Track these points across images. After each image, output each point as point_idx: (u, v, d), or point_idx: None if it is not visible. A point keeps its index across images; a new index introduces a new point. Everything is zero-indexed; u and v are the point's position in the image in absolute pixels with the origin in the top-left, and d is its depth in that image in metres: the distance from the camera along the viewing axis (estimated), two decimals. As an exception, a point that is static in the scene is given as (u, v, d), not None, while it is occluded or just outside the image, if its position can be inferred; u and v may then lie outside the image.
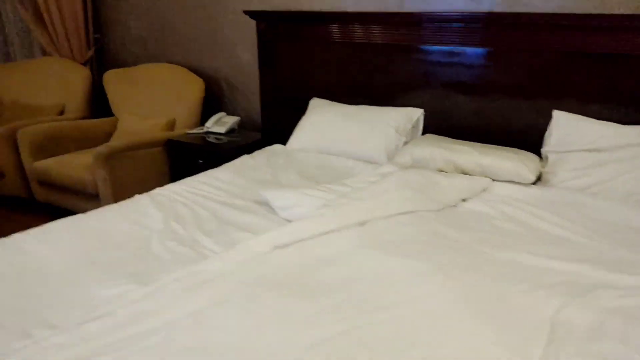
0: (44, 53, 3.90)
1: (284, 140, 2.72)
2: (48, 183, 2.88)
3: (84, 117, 3.44)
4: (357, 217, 1.59)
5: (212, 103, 3.21)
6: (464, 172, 2.08)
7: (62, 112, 3.47)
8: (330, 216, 1.59)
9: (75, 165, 2.76)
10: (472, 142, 2.25)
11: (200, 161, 2.74)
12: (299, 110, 2.81)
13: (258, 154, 2.52)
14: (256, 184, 2.16)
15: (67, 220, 1.73)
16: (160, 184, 2.85)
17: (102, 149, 2.57)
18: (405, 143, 2.40)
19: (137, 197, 1.99)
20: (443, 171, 2.11)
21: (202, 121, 3.11)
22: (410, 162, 2.17)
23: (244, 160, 2.44)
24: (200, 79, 3.09)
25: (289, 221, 1.78)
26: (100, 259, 1.51)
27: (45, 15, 3.56)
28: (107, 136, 3.29)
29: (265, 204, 1.94)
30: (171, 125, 3.11)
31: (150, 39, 3.44)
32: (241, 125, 3.08)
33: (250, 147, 2.72)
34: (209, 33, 3.16)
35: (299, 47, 2.76)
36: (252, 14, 2.80)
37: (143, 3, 3.38)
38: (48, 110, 3.43)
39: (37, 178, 2.90)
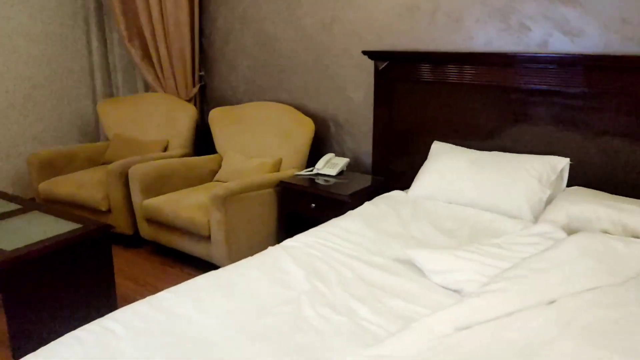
0: (147, 89, 3.99)
1: (397, 184, 2.57)
2: (156, 221, 2.85)
3: (186, 154, 3.43)
4: (544, 295, 1.37)
5: (316, 143, 3.11)
6: (636, 236, 1.82)
7: (165, 148, 3.49)
8: (514, 292, 1.38)
9: (186, 205, 2.71)
10: (636, 199, 1.99)
11: (313, 205, 2.62)
12: (414, 153, 2.65)
13: (380, 201, 2.36)
14: (388, 237, 2.00)
15: (211, 277, 1.62)
16: (269, 227, 2.77)
17: (219, 190, 2.50)
18: (550, 196, 2.16)
19: (270, 249, 1.87)
20: (608, 233, 1.85)
21: (307, 162, 3.01)
22: (565, 221, 1.93)
23: (367, 208, 2.29)
24: (309, 119, 2.99)
25: (445, 288, 1.61)
26: (255, 327, 1.37)
27: (152, 52, 3.63)
28: (212, 174, 3.25)
29: (407, 262, 1.77)
30: (277, 166, 3.02)
31: (256, 77, 3.42)
32: (348, 167, 2.94)
33: (366, 193, 2.57)
34: (318, 72, 3.09)
35: (418, 87, 2.61)
36: (371, 54, 2.69)
37: (249, 41, 3.37)
38: (153, 145, 3.46)
39: (146, 216, 2.87)
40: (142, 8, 3.52)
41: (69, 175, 3.27)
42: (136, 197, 2.89)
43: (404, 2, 2.65)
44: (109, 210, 3.04)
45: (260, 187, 2.70)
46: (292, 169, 2.96)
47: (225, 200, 2.50)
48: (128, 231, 3.07)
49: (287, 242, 1.93)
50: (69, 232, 2.17)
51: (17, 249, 1.98)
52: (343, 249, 1.88)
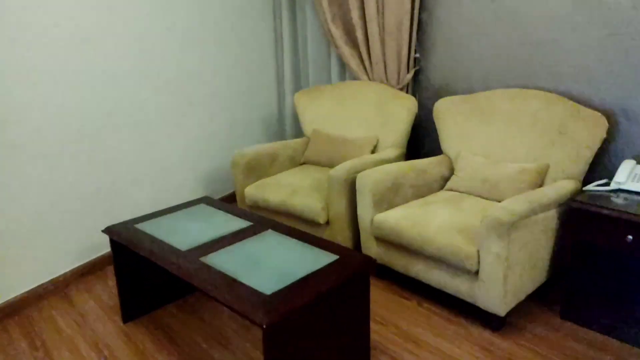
0: (343, 78, 3.49)
1: None
2: (387, 241, 2.31)
3: (401, 155, 2.86)
4: None
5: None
6: None
7: (374, 148, 2.95)
8: None
9: (438, 227, 2.11)
10: None
11: (630, 237, 1.86)
12: None
13: None
14: None
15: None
16: (543, 261, 2.07)
17: (501, 214, 1.85)
18: None
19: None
20: None
21: (592, 171, 2.24)
22: None
23: None
24: (599, 114, 2.21)
25: None
26: None
27: (358, 32, 3.09)
28: (442, 181, 2.63)
29: None
30: (543, 175, 2.30)
31: (497, 59, 2.70)
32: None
33: None
34: (605, 49, 2.28)
35: None
36: None
37: (487, 14, 2.65)
38: (360, 144, 2.94)
39: (377, 234, 2.34)
40: (352, -19, 2.99)
41: (274, 178, 2.88)
42: (365, 211, 2.37)
43: None
44: (326, 223, 2.58)
45: (547, 207, 2.00)
46: (568, 181, 2.21)
47: (511, 228, 1.85)
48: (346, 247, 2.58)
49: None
50: (329, 266, 1.68)
51: (279, 293, 1.53)
52: None
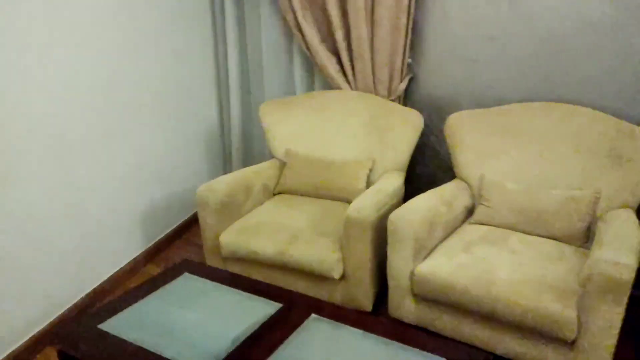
0: (312, 88, 2.91)
1: None
2: (431, 299, 1.82)
3: (402, 181, 2.39)
4: None
5: None
6: None
7: (370, 172, 2.44)
8: None
9: (509, 284, 1.67)
10: None
11: None
12: None
13: None
14: None
15: None
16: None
17: (611, 270, 1.45)
18: None
19: None
20: None
21: None
22: None
23: None
24: (656, 133, 1.94)
25: None
26: None
27: (337, 30, 2.54)
28: (466, 212, 2.22)
29: None
30: (595, 204, 1.98)
31: (507, 67, 2.34)
32: None
33: None
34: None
35: None
36: None
37: (502, 10, 2.28)
38: (353, 167, 2.41)
39: (419, 291, 1.84)
40: (335, -32, 2.43)
41: (254, 217, 2.23)
42: (402, 262, 1.85)
43: None
44: (340, 278, 2.00)
45: (645, 254, 1.67)
46: (625, 210, 1.92)
47: (627, 287, 1.47)
48: (366, 306, 2.05)
49: None
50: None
51: None
52: None
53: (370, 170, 2.44)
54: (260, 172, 2.49)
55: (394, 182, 2.25)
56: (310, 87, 2.92)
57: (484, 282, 1.70)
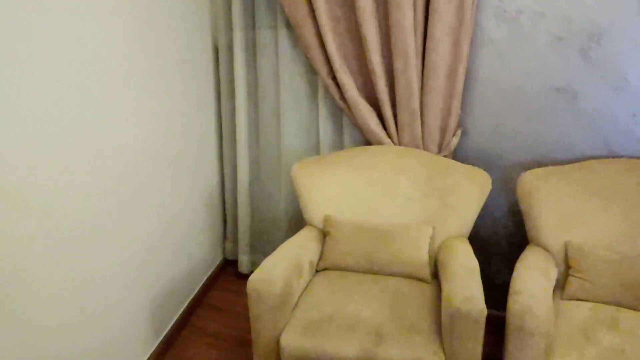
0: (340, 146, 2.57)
1: None
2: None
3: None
4: None
5: None
6: None
7: (431, 240, 2.11)
8: None
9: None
10: None
11: None
12: None
13: None
14: None
15: None
16: None
17: None
18: None
19: None
20: None
21: None
22: None
23: None
24: None
25: None
26: None
27: (380, 75, 2.24)
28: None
29: None
30: None
31: (574, 122, 2.15)
32: None
33: None
34: None
35: None
36: None
37: (571, 58, 2.10)
38: (414, 235, 2.06)
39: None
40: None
41: (314, 308, 1.81)
42: (528, 364, 1.51)
43: None
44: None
45: None
46: None
47: None
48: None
49: None
50: None
51: None
52: None
53: (431, 238, 2.11)
54: (305, 246, 2.07)
55: (472, 255, 1.92)
56: (338, 144, 2.57)
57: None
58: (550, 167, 2.08)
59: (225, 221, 2.98)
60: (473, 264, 1.82)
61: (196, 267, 2.61)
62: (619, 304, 1.81)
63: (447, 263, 1.89)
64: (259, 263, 2.89)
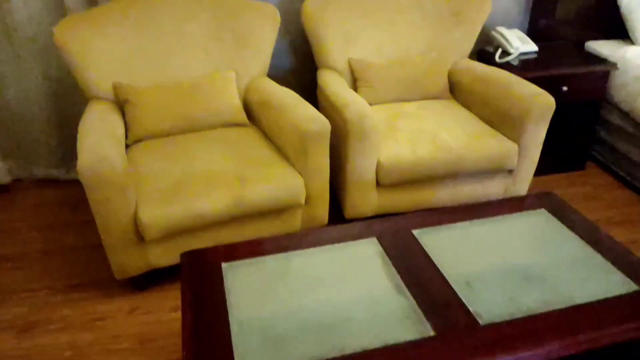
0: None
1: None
2: (394, 185, 1.85)
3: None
4: None
5: None
6: None
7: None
8: None
9: (456, 143, 1.85)
10: None
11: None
12: None
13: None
14: None
15: None
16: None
17: (543, 99, 1.79)
18: None
19: None
20: None
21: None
22: None
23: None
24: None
25: None
26: None
27: None
28: (358, 97, 2.20)
29: None
30: (449, 61, 2.29)
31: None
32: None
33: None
34: None
35: None
36: None
37: None
38: (218, 85, 2.00)
39: (386, 180, 1.82)
40: None
41: (157, 178, 1.64)
42: (369, 160, 1.76)
43: None
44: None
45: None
46: (469, 61, 2.32)
47: (548, 109, 1.85)
48: (324, 221, 1.89)
49: None
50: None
51: None
52: None
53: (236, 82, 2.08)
54: (107, 119, 1.77)
55: (285, 87, 2.00)
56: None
57: (444, 148, 1.83)
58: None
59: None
60: (293, 92, 1.91)
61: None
62: (400, 100, 2.22)
63: (268, 100, 1.92)
64: (20, 171, 2.37)
